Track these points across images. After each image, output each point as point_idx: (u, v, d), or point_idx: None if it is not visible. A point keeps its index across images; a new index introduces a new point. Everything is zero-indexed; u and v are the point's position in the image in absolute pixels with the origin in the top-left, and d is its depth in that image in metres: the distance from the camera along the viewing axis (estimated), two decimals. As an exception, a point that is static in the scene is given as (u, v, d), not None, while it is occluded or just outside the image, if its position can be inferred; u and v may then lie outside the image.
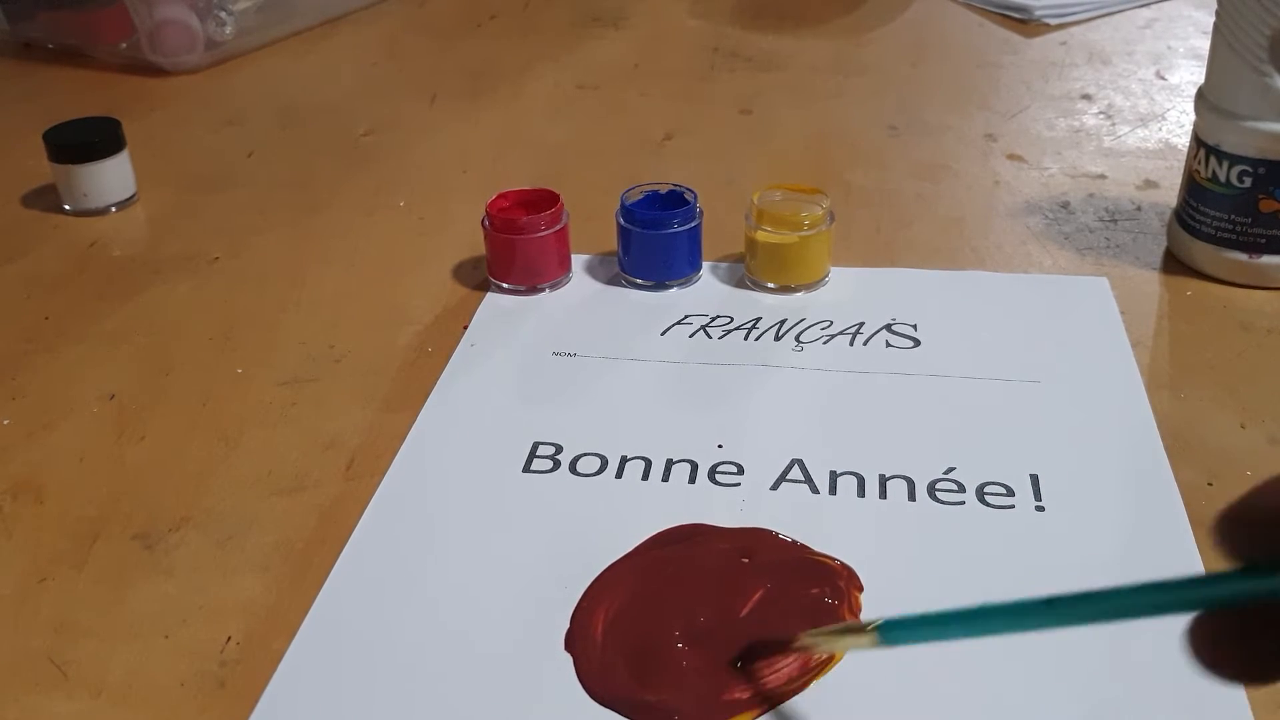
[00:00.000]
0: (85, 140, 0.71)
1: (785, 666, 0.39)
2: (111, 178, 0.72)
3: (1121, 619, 0.27)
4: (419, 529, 0.46)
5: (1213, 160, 0.58)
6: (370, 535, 0.45)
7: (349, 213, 0.71)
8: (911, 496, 0.46)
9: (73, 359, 0.58)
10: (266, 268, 0.65)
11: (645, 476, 0.48)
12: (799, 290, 0.60)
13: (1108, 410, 0.51)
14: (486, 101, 0.87)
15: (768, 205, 0.60)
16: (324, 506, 0.47)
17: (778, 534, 0.44)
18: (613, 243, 0.63)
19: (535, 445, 0.50)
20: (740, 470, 0.48)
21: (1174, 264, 0.62)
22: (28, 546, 0.46)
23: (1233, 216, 0.58)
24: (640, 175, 0.68)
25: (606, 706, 0.38)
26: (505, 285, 0.61)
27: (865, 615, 0.41)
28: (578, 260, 0.63)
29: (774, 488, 0.47)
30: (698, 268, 0.62)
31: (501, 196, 0.62)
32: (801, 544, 0.44)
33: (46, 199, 0.73)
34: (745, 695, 0.38)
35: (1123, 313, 0.57)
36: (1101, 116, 0.80)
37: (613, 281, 0.62)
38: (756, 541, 0.44)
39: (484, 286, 0.62)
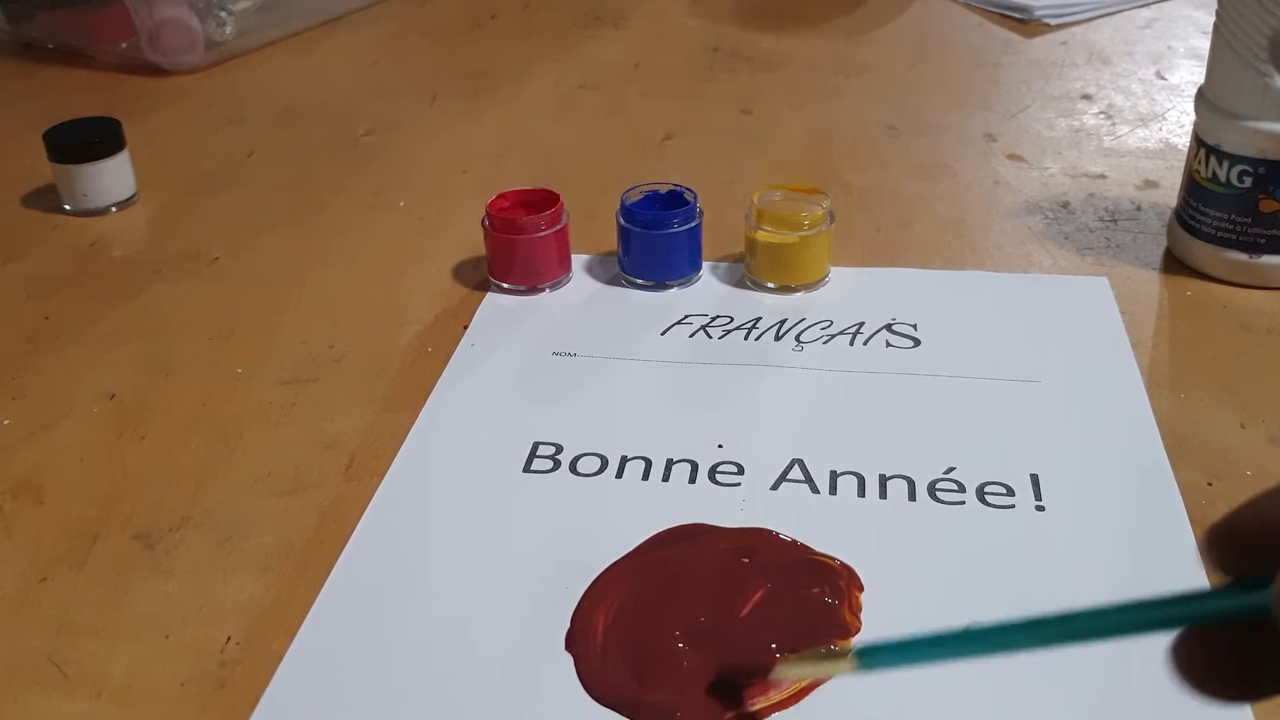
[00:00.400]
0: (85, 140, 0.71)
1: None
2: (111, 178, 0.72)
3: (1106, 638, 0.26)
4: (419, 529, 0.46)
5: (1213, 160, 0.58)
6: (370, 535, 0.45)
7: (349, 213, 0.71)
8: (912, 496, 0.46)
9: (73, 359, 0.58)
10: (266, 268, 0.65)
11: (645, 476, 0.48)
12: (799, 290, 0.60)
13: (1108, 410, 0.51)
14: (486, 101, 0.87)
15: (768, 205, 0.60)
16: (324, 506, 0.47)
17: (778, 534, 0.44)
18: (613, 243, 0.63)
19: (535, 445, 0.50)
20: (740, 470, 0.48)
21: (1174, 264, 0.62)
22: (28, 546, 0.46)
23: (1233, 216, 0.58)
24: (640, 175, 0.68)
25: (607, 706, 0.38)
26: (505, 285, 0.61)
27: (865, 615, 0.41)
28: (578, 260, 0.63)
29: (774, 488, 0.47)
30: (698, 268, 0.62)
31: (501, 196, 0.62)
32: (802, 544, 0.44)
33: (46, 199, 0.73)
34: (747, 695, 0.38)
35: (1123, 313, 0.57)
36: (1101, 116, 0.80)
37: (613, 281, 0.62)
38: (757, 541, 0.44)
39: (484, 286, 0.62)
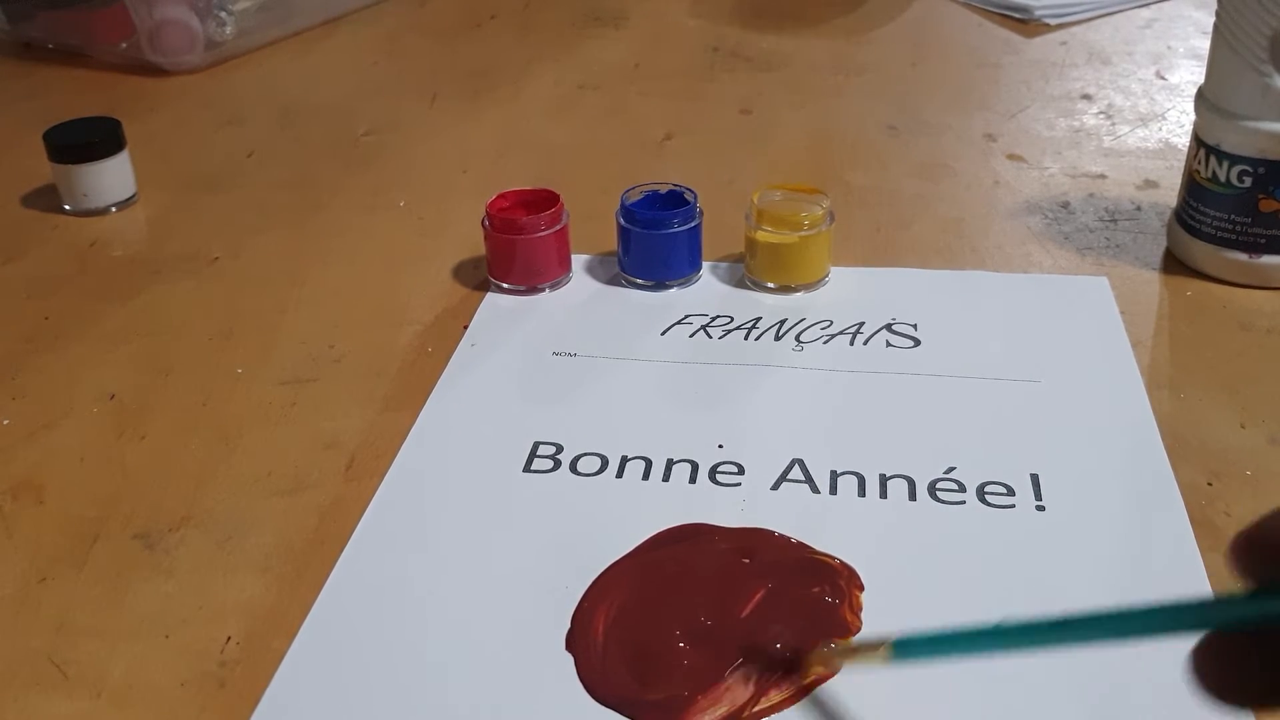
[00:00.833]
0: (85, 140, 0.71)
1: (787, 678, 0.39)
2: (111, 178, 0.72)
3: (1136, 639, 0.26)
4: (419, 529, 0.46)
5: (1213, 160, 0.58)
6: (370, 535, 0.45)
7: (349, 213, 0.71)
8: (912, 496, 0.46)
9: (73, 359, 0.58)
10: (266, 268, 0.65)
11: (646, 476, 0.48)
12: (799, 290, 0.60)
13: (1108, 410, 0.51)
14: (486, 101, 0.87)
15: (768, 205, 0.60)
16: (324, 506, 0.47)
17: (778, 534, 0.44)
18: (613, 243, 0.63)
19: (536, 445, 0.50)
20: (741, 470, 0.48)
21: (1174, 264, 0.62)
22: (28, 546, 0.46)
23: (1233, 216, 0.58)
24: (640, 175, 0.68)
25: (607, 706, 0.38)
26: (505, 285, 0.61)
27: (866, 614, 0.41)
28: (578, 260, 0.63)
29: (775, 487, 0.47)
30: (698, 268, 0.62)
31: (501, 196, 0.61)
32: (802, 544, 0.44)
33: (46, 199, 0.73)
34: (747, 696, 0.38)
35: (1123, 313, 0.57)
36: (1101, 116, 0.80)
37: (613, 281, 0.62)
38: (757, 541, 0.44)
39: (484, 286, 0.62)
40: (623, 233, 0.61)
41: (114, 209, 0.72)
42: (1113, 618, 0.27)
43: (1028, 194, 0.70)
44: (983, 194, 0.70)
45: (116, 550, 0.46)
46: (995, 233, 0.66)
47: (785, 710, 0.37)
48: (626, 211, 0.60)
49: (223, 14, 0.93)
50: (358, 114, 0.85)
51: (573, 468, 0.48)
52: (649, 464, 0.48)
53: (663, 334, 0.57)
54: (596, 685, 0.39)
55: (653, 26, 1.02)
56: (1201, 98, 0.59)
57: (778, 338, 0.57)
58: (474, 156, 0.78)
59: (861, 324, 0.57)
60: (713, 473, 0.48)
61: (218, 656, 0.41)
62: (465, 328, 0.58)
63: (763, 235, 0.59)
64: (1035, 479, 0.47)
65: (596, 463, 0.49)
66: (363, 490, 0.48)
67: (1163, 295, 0.59)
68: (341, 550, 0.45)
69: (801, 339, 0.56)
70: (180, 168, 0.78)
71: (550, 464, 0.49)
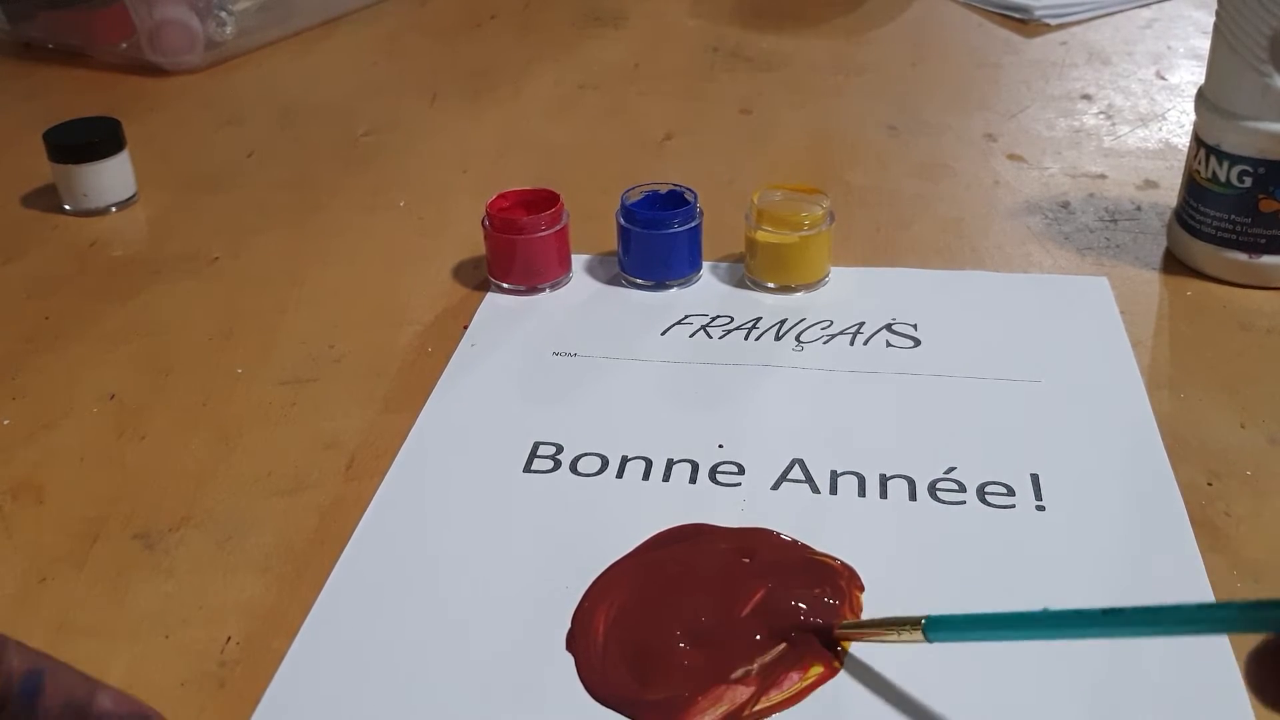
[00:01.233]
0: (85, 140, 0.71)
1: (791, 671, 0.39)
2: (111, 178, 0.72)
3: (1174, 633, 0.26)
4: (419, 529, 0.46)
5: (1213, 160, 0.58)
6: (370, 535, 0.45)
7: (349, 213, 0.71)
8: (912, 496, 0.46)
9: (73, 359, 0.58)
10: (266, 268, 0.65)
11: (646, 476, 0.48)
12: (799, 290, 0.60)
13: (1108, 410, 0.51)
14: (486, 101, 0.87)
15: (768, 205, 0.60)
16: (324, 506, 0.47)
17: (779, 534, 0.44)
18: (613, 243, 0.63)
19: (536, 445, 0.50)
20: (741, 470, 0.48)
21: (1174, 264, 0.62)
22: (28, 546, 0.46)
23: (1233, 216, 0.58)
24: (640, 175, 0.68)
25: (607, 706, 0.38)
26: (505, 285, 0.61)
27: (866, 615, 0.41)
28: (578, 260, 0.63)
29: (775, 487, 0.47)
30: (698, 268, 0.62)
31: (501, 196, 0.61)
32: (802, 544, 0.44)
33: (46, 199, 0.73)
34: (747, 696, 0.38)
35: (1123, 313, 0.57)
36: (1101, 116, 0.80)
37: (613, 281, 0.62)
38: (757, 541, 0.44)
39: (484, 286, 0.62)
40: (623, 233, 0.61)
41: (114, 209, 0.72)
42: (1156, 611, 0.27)
43: (1028, 194, 0.70)
44: (983, 194, 0.70)
45: (116, 550, 0.46)
46: (995, 233, 0.66)
47: (785, 710, 0.37)
48: (626, 211, 0.60)
49: (223, 14, 0.93)
50: (358, 114, 0.85)
51: (573, 468, 0.48)
52: (649, 464, 0.48)
53: (663, 334, 0.57)
54: (597, 685, 0.39)
55: (653, 26, 1.02)
56: (1201, 98, 0.59)
57: (778, 338, 0.56)
58: (474, 156, 0.78)
59: (861, 324, 0.57)
60: (713, 473, 0.48)
61: (218, 656, 0.41)
62: (465, 328, 0.58)
63: (763, 235, 0.59)
64: (1035, 479, 0.47)
65: (597, 463, 0.49)
66: (363, 490, 0.48)
67: (1163, 295, 0.59)
68: (341, 550, 0.45)
69: (802, 339, 0.56)
70: (180, 168, 0.78)
71: (550, 464, 0.49)
